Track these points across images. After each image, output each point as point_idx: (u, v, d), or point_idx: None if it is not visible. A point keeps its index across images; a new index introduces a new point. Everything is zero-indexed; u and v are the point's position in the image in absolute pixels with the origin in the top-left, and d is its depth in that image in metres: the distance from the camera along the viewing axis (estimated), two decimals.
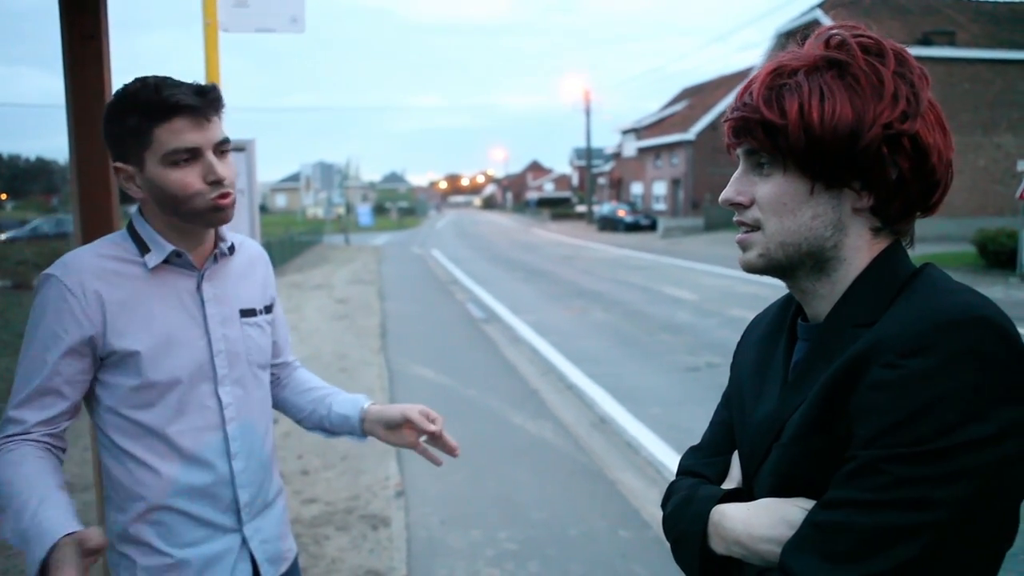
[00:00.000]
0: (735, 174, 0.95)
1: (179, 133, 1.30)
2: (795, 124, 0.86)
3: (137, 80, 1.34)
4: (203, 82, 1.35)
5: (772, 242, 0.92)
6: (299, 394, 1.70)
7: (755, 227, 0.93)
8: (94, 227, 2.15)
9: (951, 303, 0.81)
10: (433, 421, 1.58)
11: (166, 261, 1.39)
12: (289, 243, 22.56)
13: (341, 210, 36.07)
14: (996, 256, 14.24)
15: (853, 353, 0.83)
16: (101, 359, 1.35)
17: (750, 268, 0.95)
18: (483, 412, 6.08)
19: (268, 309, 1.56)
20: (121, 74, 2.10)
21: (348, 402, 1.65)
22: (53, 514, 1.19)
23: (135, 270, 1.38)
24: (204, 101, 1.32)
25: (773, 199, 0.90)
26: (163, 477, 1.38)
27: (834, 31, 0.91)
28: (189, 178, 1.32)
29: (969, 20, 24.59)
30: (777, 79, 0.89)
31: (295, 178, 68.36)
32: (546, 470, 4.78)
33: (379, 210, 68.73)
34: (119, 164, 1.35)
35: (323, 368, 7.54)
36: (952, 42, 22.78)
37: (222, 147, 1.36)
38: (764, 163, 0.91)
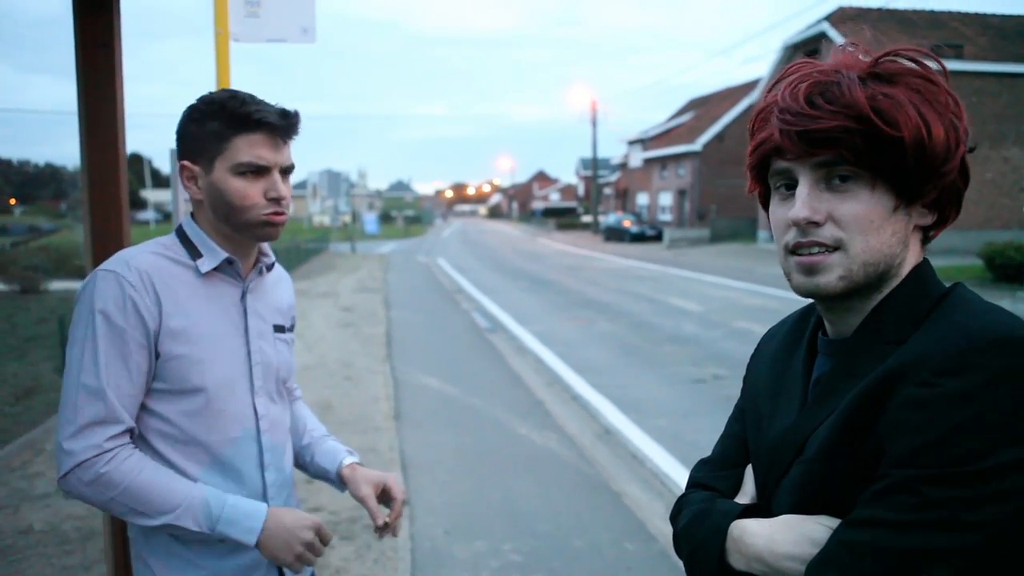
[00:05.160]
0: (802, 191, 0.87)
1: (255, 147, 1.36)
2: (912, 140, 0.82)
3: (226, 91, 1.41)
4: (288, 107, 1.41)
5: (855, 262, 0.86)
6: (292, 429, 1.68)
7: (834, 247, 0.86)
8: (105, 234, 2.15)
9: (988, 323, 0.80)
10: (393, 500, 1.59)
11: (216, 268, 1.41)
12: (295, 250, 22.61)
13: (347, 218, 36.15)
14: (1003, 269, 14.18)
15: (885, 370, 0.82)
16: (155, 358, 1.35)
17: (828, 292, 0.88)
18: (488, 422, 6.06)
19: (292, 328, 1.59)
20: (132, 82, 2.12)
21: (329, 456, 1.65)
22: (241, 498, 1.37)
23: (187, 273, 1.40)
24: (286, 123, 1.38)
25: (861, 217, 0.85)
26: (199, 483, 1.37)
27: (898, 52, 0.88)
28: (251, 190, 1.36)
29: (976, 33, 24.59)
30: (872, 88, 0.84)
31: (302, 186, 68.49)
32: (551, 481, 4.76)
33: (385, 218, 68.91)
34: (186, 162, 1.39)
35: (328, 376, 7.54)
36: (959, 55, 22.76)
37: (287, 171, 1.42)
38: (846, 177, 0.85)
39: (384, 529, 1.57)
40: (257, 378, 1.45)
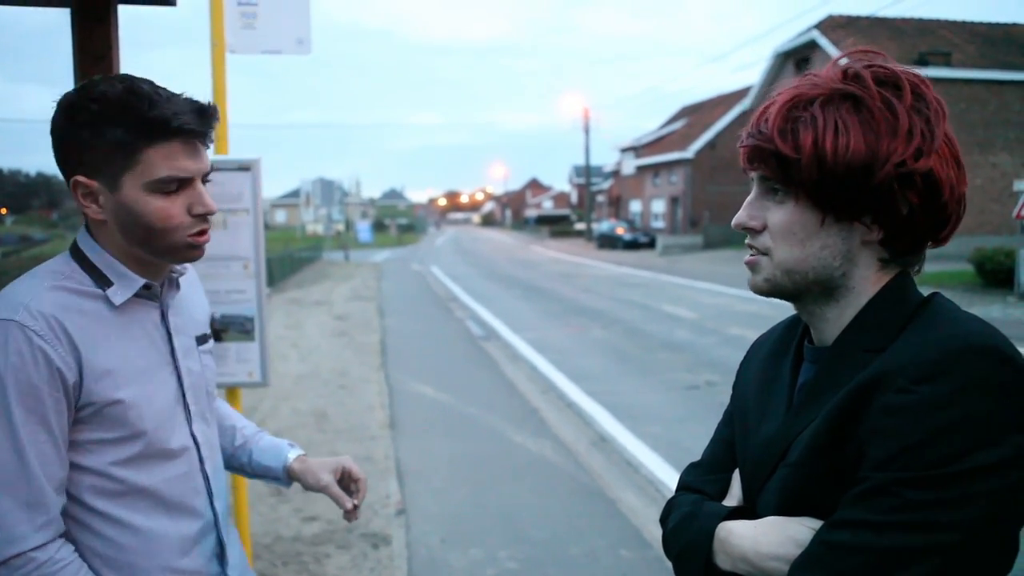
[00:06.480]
0: (749, 198, 0.96)
1: (174, 158, 1.14)
2: (808, 158, 0.86)
3: (117, 82, 1.14)
4: (200, 98, 1.19)
5: (779, 269, 0.93)
6: (220, 432, 1.52)
7: (763, 252, 0.94)
8: None
9: (963, 332, 0.83)
10: (356, 482, 1.49)
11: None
12: (289, 259, 22.58)
13: (341, 226, 36.12)
14: (994, 275, 14.28)
15: (865, 378, 0.85)
16: (76, 411, 1.16)
17: (757, 291, 0.96)
18: (483, 430, 6.07)
19: (212, 333, 1.44)
20: None
21: (270, 452, 1.52)
22: None
23: (98, 306, 1.19)
24: (205, 124, 1.17)
25: (784, 228, 0.91)
26: (152, 538, 1.23)
27: (852, 60, 0.91)
28: (173, 209, 1.16)
29: (965, 41, 24.81)
30: (794, 110, 0.89)
31: (295, 194, 68.48)
32: (546, 488, 4.77)
33: (378, 227, 68.87)
34: (81, 178, 1.15)
35: (323, 385, 7.54)
36: (948, 63, 22.96)
37: (207, 176, 1.22)
38: (778, 190, 0.92)
39: (353, 512, 1.48)
40: (191, 402, 1.29)
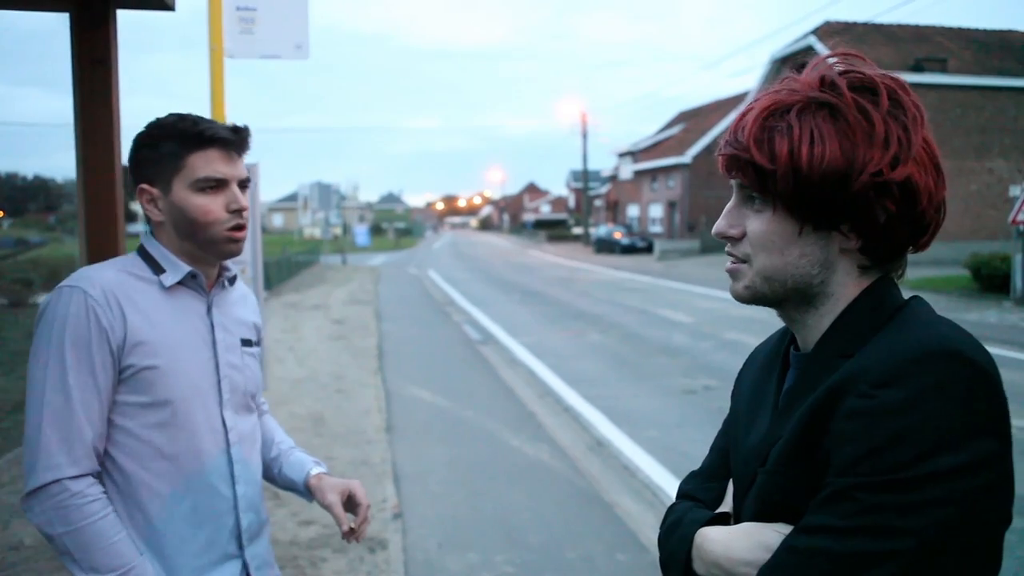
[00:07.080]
0: (728, 206, 0.96)
1: (211, 162, 1.41)
2: (784, 169, 0.86)
3: (174, 114, 1.45)
4: (237, 123, 1.47)
5: (758, 276, 0.93)
6: (261, 444, 1.67)
7: (743, 260, 0.94)
8: (100, 248, 2.17)
9: (926, 336, 0.83)
10: (357, 507, 1.58)
11: (180, 282, 1.44)
12: (286, 263, 22.55)
13: (338, 230, 36.12)
14: (990, 280, 14.32)
15: (831, 383, 0.85)
16: (120, 372, 1.36)
17: (738, 298, 0.97)
18: (480, 434, 6.07)
19: (259, 343, 1.62)
20: (125, 95, 2.14)
21: (296, 467, 1.65)
22: None
23: (151, 288, 1.42)
24: (237, 138, 1.44)
25: (762, 237, 0.91)
26: (166, 500, 1.38)
27: (828, 66, 0.90)
28: (212, 205, 1.41)
29: (960, 47, 24.92)
30: (770, 119, 0.88)
31: (293, 198, 68.48)
32: (543, 493, 4.77)
33: (376, 230, 68.86)
34: (144, 186, 1.43)
35: (320, 389, 7.53)
36: (944, 69, 23.07)
37: (244, 184, 1.47)
38: (755, 198, 0.91)
39: (350, 534, 1.56)
40: (225, 391, 1.46)
